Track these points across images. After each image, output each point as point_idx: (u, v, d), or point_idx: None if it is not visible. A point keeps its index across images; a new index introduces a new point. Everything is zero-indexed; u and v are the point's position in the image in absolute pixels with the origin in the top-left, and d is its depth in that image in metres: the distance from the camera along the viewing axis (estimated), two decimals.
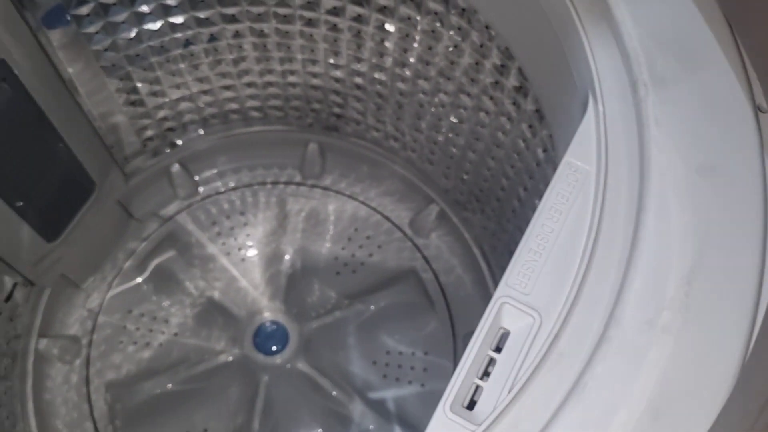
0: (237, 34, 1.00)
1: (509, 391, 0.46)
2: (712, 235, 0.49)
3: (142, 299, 1.14)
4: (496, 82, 0.84)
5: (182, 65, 1.04)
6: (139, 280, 1.15)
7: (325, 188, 1.22)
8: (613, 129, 0.54)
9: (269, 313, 1.12)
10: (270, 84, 1.11)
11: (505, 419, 0.46)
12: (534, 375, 0.47)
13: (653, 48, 0.55)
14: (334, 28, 0.97)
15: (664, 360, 0.45)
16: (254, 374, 1.08)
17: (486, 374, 0.48)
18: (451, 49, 0.87)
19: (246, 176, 1.23)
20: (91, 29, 0.92)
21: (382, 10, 0.90)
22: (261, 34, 1.00)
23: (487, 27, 0.79)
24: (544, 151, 0.80)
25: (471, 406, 0.47)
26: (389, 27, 0.92)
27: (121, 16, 0.93)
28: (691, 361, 0.45)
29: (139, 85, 1.04)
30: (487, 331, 0.49)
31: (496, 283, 0.51)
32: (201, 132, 1.19)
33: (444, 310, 1.14)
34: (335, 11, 0.94)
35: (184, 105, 1.12)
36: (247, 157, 1.23)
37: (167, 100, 1.09)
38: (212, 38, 1.01)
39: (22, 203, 0.91)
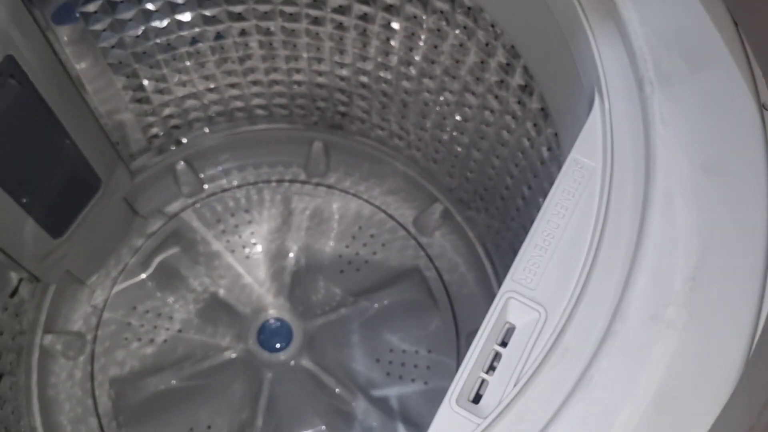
0: (243, 32, 1.01)
1: (515, 385, 0.47)
2: (717, 232, 0.49)
3: (146, 296, 1.14)
4: (502, 81, 0.84)
5: (188, 63, 1.04)
6: (143, 276, 1.15)
7: (329, 186, 1.23)
8: (618, 126, 0.54)
9: (273, 310, 1.12)
10: (275, 82, 1.12)
11: (510, 413, 0.46)
12: (539, 369, 0.47)
13: (659, 46, 0.55)
14: (340, 26, 0.97)
15: (668, 355, 0.46)
16: (258, 371, 1.08)
17: (492, 368, 0.49)
18: (456, 47, 0.87)
19: (251, 174, 1.24)
20: (99, 26, 0.93)
21: (388, 8, 0.91)
22: (267, 32, 1.01)
23: (492, 25, 0.79)
24: (549, 149, 0.81)
25: (477, 399, 0.48)
26: (395, 25, 0.93)
27: (129, 14, 0.94)
28: (695, 356, 0.45)
29: (145, 82, 1.05)
30: (492, 325, 0.49)
31: (499, 282, 0.51)
32: (206, 130, 1.19)
33: (447, 309, 1.14)
34: (341, 9, 0.94)
35: (189, 103, 1.12)
36: (252, 155, 1.23)
37: (173, 97, 1.10)
38: (218, 36, 1.01)
39: (28, 199, 0.91)
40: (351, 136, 1.20)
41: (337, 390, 1.06)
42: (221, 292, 1.14)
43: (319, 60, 1.05)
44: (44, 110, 0.87)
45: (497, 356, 0.49)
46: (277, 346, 1.09)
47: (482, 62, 0.85)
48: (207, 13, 0.97)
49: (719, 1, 0.57)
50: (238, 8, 0.97)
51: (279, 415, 1.07)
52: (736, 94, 0.54)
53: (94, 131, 1.01)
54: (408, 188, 1.20)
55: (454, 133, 1.02)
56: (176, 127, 1.16)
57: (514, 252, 0.52)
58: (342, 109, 1.15)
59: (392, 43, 0.96)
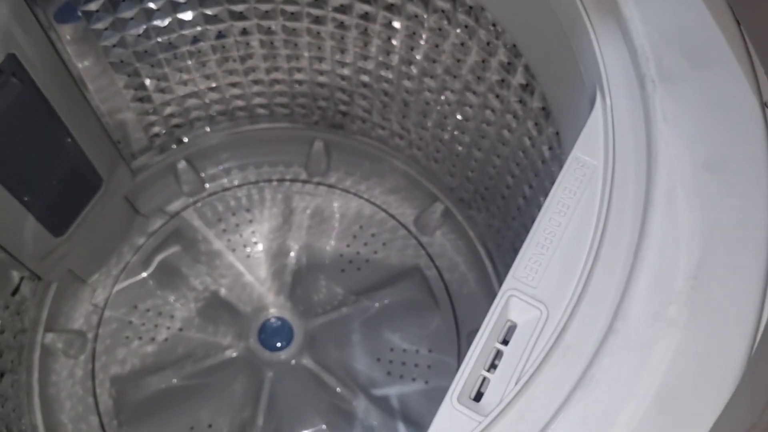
0: (244, 32, 1.01)
1: (516, 384, 0.47)
2: (719, 231, 0.49)
3: (147, 294, 1.15)
4: (503, 80, 0.84)
5: (190, 62, 1.04)
6: (144, 275, 1.15)
7: (330, 186, 1.23)
8: (620, 124, 0.54)
9: (274, 309, 1.12)
10: (276, 81, 1.12)
11: (511, 411, 0.46)
12: (541, 368, 0.47)
13: (661, 44, 0.55)
14: (341, 25, 0.97)
15: (670, 354, 0.46)
16: (259, 370, 1.08)
17: (493, 366, 0.49)
18: (457, 46, 0.87)
19: (252, 173, 1.24)
20: (100, 25, 0.93)
21: (390, 7, 0.91)
22: (268, 31, 1.01)
23: (494, 24, 0.79)
24: (550, 148, 0.81)
25: (478, 397, 0.48)
26: (396, 24, 0.93)
27: (130, 13, 0.94)
28: (697, 354, 0.45)
29: (147, 81, 1.05)
30: (494, 323, 0.49)
31: (500, 281, 0.51)
32: (207, 129, 1.19)
33: (448, 308, 1.14)
34: (342, 9, 0.94)
35: (191, 102, 1.12)
36: (253, 155, 1.23)
37: (174, 96, 1.10)
38: (220, 35, 1.01)
39: (29, 198, 0.91)
40: (352, 135, 1.20)
41: (337, 389, 1.06)
42: (222, 291, 1.14)
43: (321, 59, 1.05)
44: (46, 109, 0.87)
45: (498, 354, 0.49)
46: (278, 345, 1.09)
47: (483, 61, 0.85)
48: (208, 12, 0.97)
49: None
50: (239, 7, 0.97)
51: (280, 414, 1.07)
52: (738, 92, 0.54)
53: (95, 130, 1.01)
54: (409, 187, 1.20)
55: (455, 133, 1.02)
56: (177, 126, 1.16)
57: (515, 251, 0.52)
58: (343, 108, 1.15)
59: (393, 42, 0.96)
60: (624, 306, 0.47)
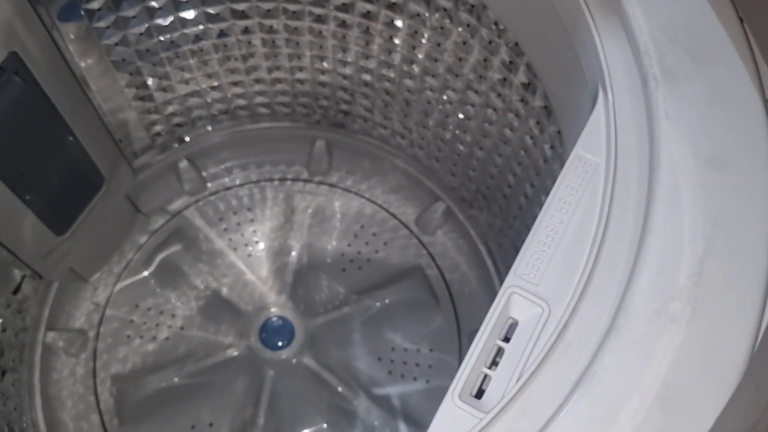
0: (246, 30, 1.01)
1: (517, 381, 0.47)
2: (721, 227, 0.49)
3: (149, 293, 1.15)
4: (505, 79, 0.84)
5: (192, 61, 1.04)
6: (146, 273, 1.15)
7: (331, 185, 1.23)
8: (622, 122, 0.54)
9: (276, 308, 1.12)
10: (278, 80, 1.12)
11: (513, 408, 0.46)
12: (542, 365, 0.47)
13: (664, 42, 0.55)
14: (343, 24, 0.97)
15: (672, 350, 0.45)
16: (260, 369, 1.08)
17: (494, 363, 0.49)
18: (459, 45, 0.87)
19: (253, 172, 1.24)
20: (102, 24, 0.93)
21: (391, 6, 0.91)
22: (270, 30, 1.01)
23: (496, 23, 0.79)
24: (552, 147, 0.81)
25: (479, 394, 0.48)
26: (398, 23, 0.93)
27: (132, 11, 0.94)
28: (699, 351, 0.45)
29: (148, 80, 1.05)
30: (495, 320, 0.49)
31: (501, 281, 0.51)
32: (209, 128, 1.19)
33: (449, 307, 1.14)
34: (344, 7, 0.94)
35: (192, 101, 1.12)
36: (255, 154, 1.23)
37: (176, 95, 1.10)
38: (222, 34, 1.01)
39: (31, 196, 0.91)
40: (353, 134, 1.20)
41: (338, 388, 1.06)
42: (223, 290, 1.14)
43: (322, 58, 1.05)
44: (48, 107, 0.87)
45: (500, 351, 0.49)
46: (279, 344, 1.09)
47: (485, 60, 0.85)
48: (210, 10, 0.97)
49: None
50: (241, 6, 0.97)
51: (281, 413, 1.07)
52: (740, 89, 0.54)
53: (97, 129, 1.01)
54: (410, 187, 1.20)
55: (457, 132, 1.02)
56: (179, 125, 1.16)
57: (516, 250, 0.52)
58: (344, 107, 1.15)
59: (395, 41, 0.96)
60: (626, 303, 0.47)
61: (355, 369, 1.09)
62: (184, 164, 1.19)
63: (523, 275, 0.50)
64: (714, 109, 0.53)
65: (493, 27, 0.80)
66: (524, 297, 0.49)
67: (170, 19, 0.97)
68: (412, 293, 1.14)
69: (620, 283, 0.48)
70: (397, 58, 0.98)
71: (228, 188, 1.23)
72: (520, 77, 0.80)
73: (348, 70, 1.06)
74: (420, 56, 0.95)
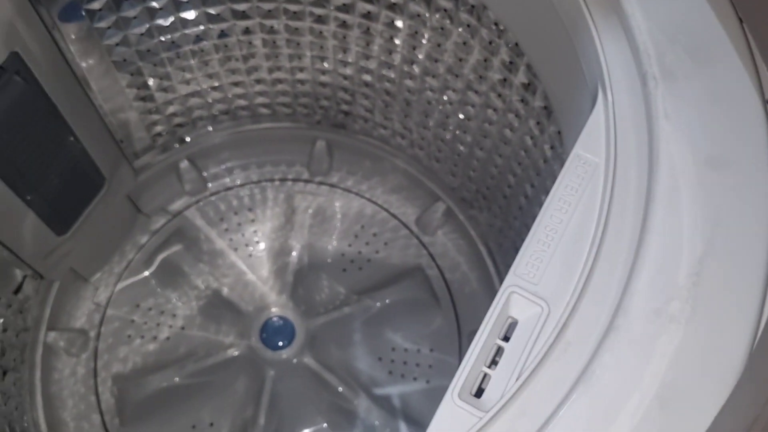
0: (247, 31, 1.01)
1: (517, 379, 0.47)
2: (720, 227, 0.49)
3: (149, 293, 1.15)
4: (505, 79, 0.84)
5: (192, 61, 1.05)
6: (146, 273, 1.15)
7: (332, 185, 1.23)
8: (622, 121, 0.54)
9: (276, 308, 1.12)
10: (279, 81, 1.12)
11: (512, 407, 0.46)
12: (542, 364, 0.47)
13: (663, 42, 0.55)
14: (343, 24, 0.97)
15: (671, 349, 0.46)
16: (261, 369, 1.09)
17: (494, 363, 0.49)
18: (459, 45, 0.87)
19: (254, 173, 1.24)
20: (103, 24, 0.93)
21: (392, 6, 0.91)
22: (271, 30, 1.01)
23: (496, 23, 0.79)
24: (552, 147, 0.81)
25: (479, 393, 0.48)
26: (398, 24, 0.93)
27: (133, 11, 0.94)
28: (698, 350, 0.45)
29: (149, 80, 1.05)
30: (495, 320, 0.49)
31: (501, 281, 0.51)
32: (210, 128, 1.20)
33: (449, 308, 1.14)
34: (345, 8, 0.94)
35: (193, 101, 1.12)
36: (256, 154, 1.23)
37: (177, 96, 1.10)
38: (222, 34, 1.01)
39: (32, 196, 0.91)
40: (354, 134, 1.20)
41: (339, 388, 1.06)
42: (224, 290, 1.14)
43: (323, 58, 1.06)
44: (49, 107, 0.88)
45: (499, 351, 0.49)
46: (280, 344, 1.10)
47: (485, 60, 0.85)
48: (211, 11, 0.97)
49: None
50: (242, 6, 0.97)
51: (281, 413, 1.07)
52: (740, 89, 0.54)
53: (98, 129, 1.01)
54: (410, 187, 1.20)
55: (457, 132, 1.02)
56: (180, 125, 1.16)
57: (517, 251, 0.52)
58: (345, 107, 1.15)
59: (395, 41, 0.96)
60: (625, 302, 0.47)
61: (355, 369, 1.10)
62: (184, 164, 1.19)
63: (522, 275, 0.50)
64: (713, 109, 0.53)
65: (493, 27, 0.80)
66: (524, 296, 0.49)
67: (171, 19, 0.97)
68: (413, 293, 1.14)
69: (619, 283, 0.48)
70: (397, 58, 0.98)
71: (229, 188, 1.23)
72: (520, 77, 0.80)
73: (348, 71, 1.06)
74: (420, 57, 0.95)
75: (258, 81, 1.12)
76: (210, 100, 1.13)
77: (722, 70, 0.55)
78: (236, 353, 1.09)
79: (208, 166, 1.23)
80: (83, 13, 0.91)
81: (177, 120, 1.15)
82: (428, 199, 1.19)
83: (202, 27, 1.00)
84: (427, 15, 0.88)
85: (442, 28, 0.88)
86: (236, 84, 1.12)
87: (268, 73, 1.10)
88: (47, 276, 1.04)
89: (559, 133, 0.76)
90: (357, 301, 1.13)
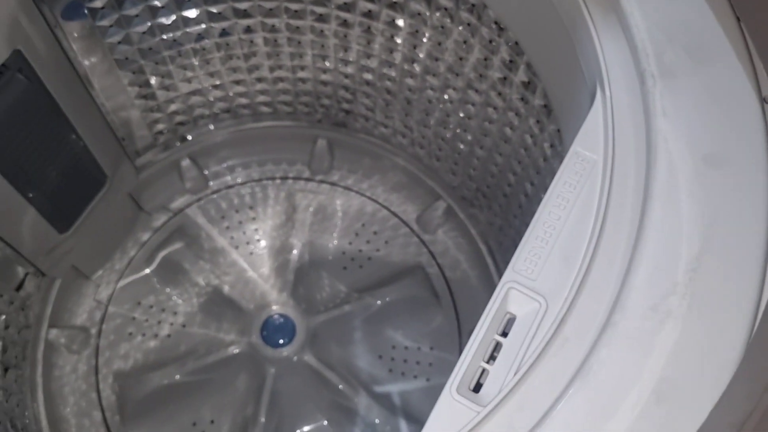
0: (248, 29, 1.01)
1: (515, 374, 0.47)
2: (717, 223, 0.49)
3: (150, 290, 1.15)
4: (505, 78, 0.85)
5: (194, 59, 1.05)
6: (147, 271, 1.16)
7: (333, 184, 1.23)
8: (620, 119, 0.54)
9: (277, 306, 1.13)
10: (280, 79, 1.12)
11: (510, 401, 0.46)
12: (539, 359, 0.47)
13: (661, 40, 0.55)
14: (344, 23, 0.98)
15: (669, 344, 0.46)
16: (261, 366, 1.09)
17: (492, 358, 0.49)
18: (460, 44, 0.88)
19: (255, 171, 1.24)
20: (105, 22, 0.94)
21: (393, 5, 0.91)
22: (272, 29, 1.01)
23: (496, 22, 0.80)
24: (552, 146, 0.81)
25: (477, 388, 0.48)
26: (399, 22, 0.93)
27: (135, 10, 0.94)
28: (695, 345, 0.46)
29: (151, 79, 1.05)
30: (493, 315, 0.50)
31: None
32: (211, 127, 1.20)
33: (450, 306, 1.15)
34: (346, 7, 0.95)
35: (194, 99, 1.13)
36: (257, 152, 1.24)
37: (178, 94, 1.10)
38: (224, 33, 1.02)
39: (34, 194, 0.92)
40: (355, 133, 1.20)
41: (339, 386, 1.06)
42: (225, 287, 1.15)
43: (324, 57, 1.06)
44: (51, 105, 0.88)
45: (498, 346, 0.49)
46: (281, 341, 1.10)
47: (486, 59, 0.86)
48: (213, 9, 0.98)
49: None
50: (243, 5, 0.97)
51: (281, 411, 1.07)
52: (737, 87, 0.54)
53: (100, 127, 1.02)
54: (411, 186, 1.21)
55: (457, 131, 1.03)
56: (181, 123, 1.17)
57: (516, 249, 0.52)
58: (346, 106, 1.16)
59: (396, 40, 0.96)
60: (623, 298, 0.48)
61: (355, 367, 1.10)
62: (186, 162, 1.20)
63: (520, 270, 0.51)
64: (711, 107, 0.54)
65: (494, 26, 0.81)
66: (522, 292, 0.50)
67: (173, 17, 0.98)
68: (413, 291, 1.14)
69: (617, 279, 0.49)
70: (398, 57, 0.99)
71: (230, 186, 1.23)
72: (520, 76, 0.81)
73: (349, 69, 1.06)
74: (421, 55, 0.95)
75: (259, 79, 1.12)
76: (211, 99, 1.14)
77: (720, 68, 0.55)
78: (237, 351, 1.10)
79: (209, 164, 1.23)
80: (86, 12, 0.91)
81: (178, 118, 1.15)
82: (429, 197, 1.19)
83: (203, 25, 1.00)
84: (428, 14, 0.88)
85: (442, 27, 0.88)
86: (237, 82, 1.12)
87: (270, 72, 1.11)
88: (49, 273, 1.05)
89: (558, 131, 0.76)
90: (357, 299, 1.13)
